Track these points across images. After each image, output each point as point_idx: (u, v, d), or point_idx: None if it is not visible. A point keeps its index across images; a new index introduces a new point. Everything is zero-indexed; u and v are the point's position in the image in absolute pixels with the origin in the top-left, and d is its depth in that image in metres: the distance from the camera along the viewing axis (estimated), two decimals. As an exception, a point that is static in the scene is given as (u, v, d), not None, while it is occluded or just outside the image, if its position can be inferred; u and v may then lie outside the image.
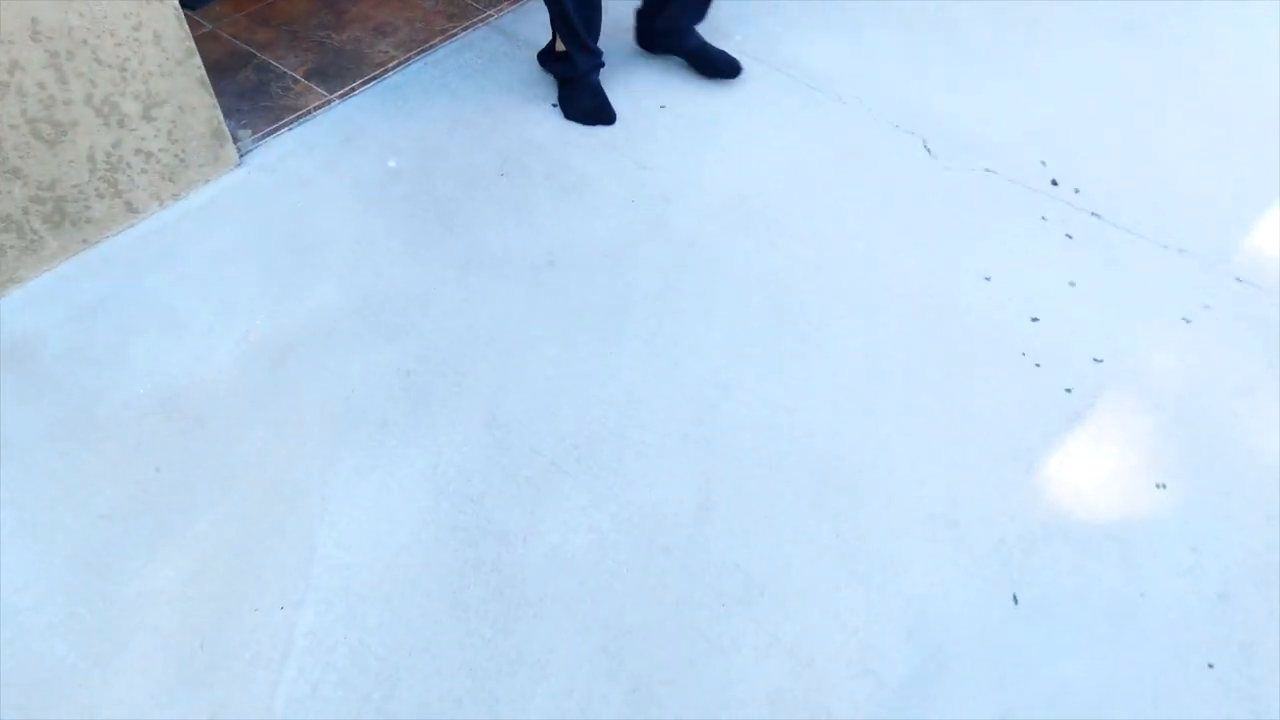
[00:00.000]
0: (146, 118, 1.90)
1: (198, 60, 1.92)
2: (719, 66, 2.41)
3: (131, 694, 1.38)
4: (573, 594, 1.47)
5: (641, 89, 2.41)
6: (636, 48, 2.51)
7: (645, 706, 1.35)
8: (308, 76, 2.36)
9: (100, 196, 1.91)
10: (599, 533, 1.54)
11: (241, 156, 2.14)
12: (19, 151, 1.75)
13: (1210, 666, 1.39)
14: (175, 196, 2.03)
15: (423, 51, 2.46)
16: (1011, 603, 1.46)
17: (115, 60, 1.80)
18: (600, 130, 2.28)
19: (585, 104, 2.31)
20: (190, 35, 1.89)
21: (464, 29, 2.54)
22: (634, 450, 1.65)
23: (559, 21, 2.22)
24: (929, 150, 2.22)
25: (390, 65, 2.41)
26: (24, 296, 1.88)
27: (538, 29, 2.56)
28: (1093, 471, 1.62)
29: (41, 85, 1.73)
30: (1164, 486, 1.60)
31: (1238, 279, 1.93)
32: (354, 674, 1.39)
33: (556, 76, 2.36)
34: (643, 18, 2.44)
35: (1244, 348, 1.81)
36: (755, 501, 1.58)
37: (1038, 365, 1.78)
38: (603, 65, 2.35)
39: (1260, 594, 1.47)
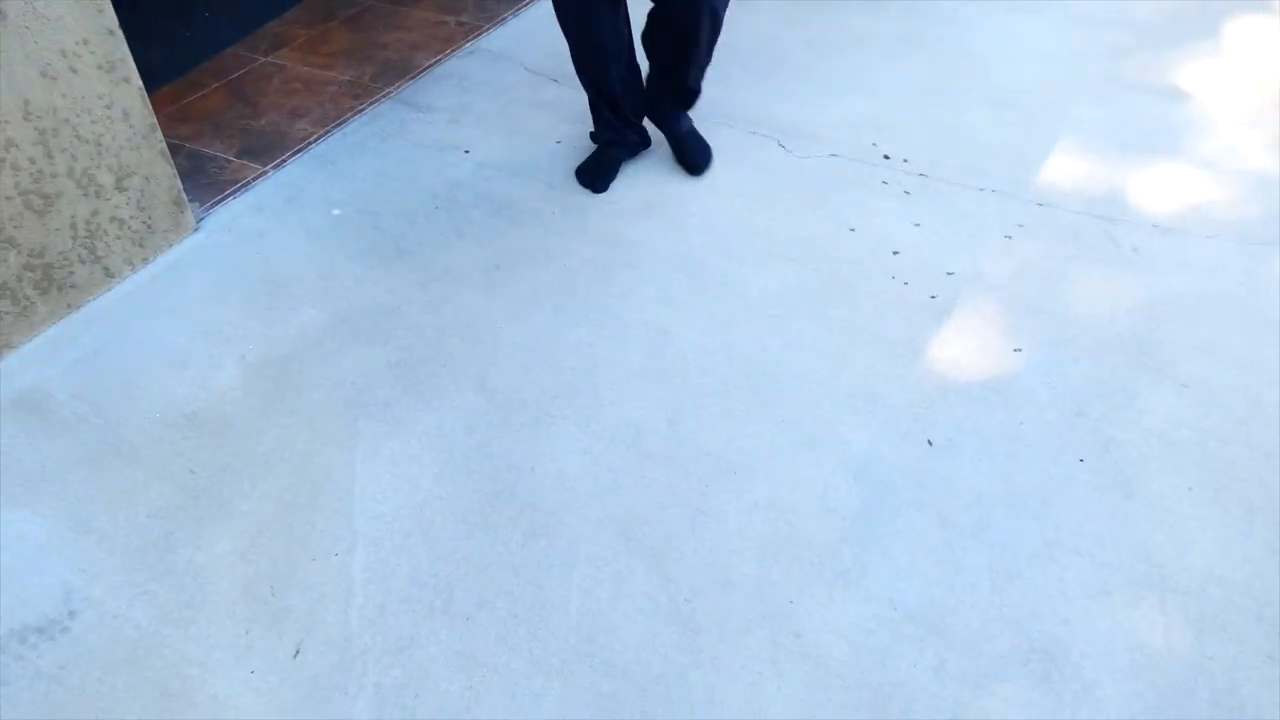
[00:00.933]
0: (119, 188, 2.13)
1: (159, 134, 2.18)
2: (688, 161, 2.56)
3: (217, 643, 1.56)
4: (583, 500, 1.76)
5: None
6: None
7: (664, 568, 1.64)
8: (239, 156, 2.63)
9: (81, 262, 2.11)
10: (592, 454, 1.84)
11: (198, 222, 2.38)
12: (14, 222, 1.95)
13: (1081, 461, 1.80)
14: (145, 261, 2.25)
15: (338, 125, 2.77)
16: (927, 445, 1.84)
17: (92, 136, 2.04)
18: (518, 159, 2.64)
19: (586, 163, 2.54)
20: (153, 112, 2.15)
21: (370, 104, 2.87)
22: (605, 389, 1.97)
23: (585, 87, 2.45)
24: (783, 146, 2.69)
25: (312, 139, 2.71)
26: (20, 358, 2.04)
27: (435, 97, 2.92)
28: (965, 347, 2.04)
29: (32, 160, 1.95)
30: (1019, 350, 2.04)
31: (1038, 204, 2.45)
32: (413, 591, 1.62)
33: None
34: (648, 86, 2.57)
35: (1052, 247, 2.30)
36: (710, 407, 1.92)
37: (906, 284, 2.21)
38: (634, 145, 2.55)
39: (1105, 405, 1.90)
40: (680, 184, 2.55)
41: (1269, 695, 1.45)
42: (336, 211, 2.45)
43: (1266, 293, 2.14)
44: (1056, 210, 2.43)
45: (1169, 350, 2.01)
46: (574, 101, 2.87)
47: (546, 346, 2.07)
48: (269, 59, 3.12)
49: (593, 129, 2.55)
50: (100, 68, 2.01)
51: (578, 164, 2.54)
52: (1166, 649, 1.51)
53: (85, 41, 1.96)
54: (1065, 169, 2.57)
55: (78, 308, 2.13)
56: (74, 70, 1.96)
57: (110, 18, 1.99)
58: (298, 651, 1.55)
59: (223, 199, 2.47)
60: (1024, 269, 2.25)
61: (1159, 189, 2.47)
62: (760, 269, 2.26)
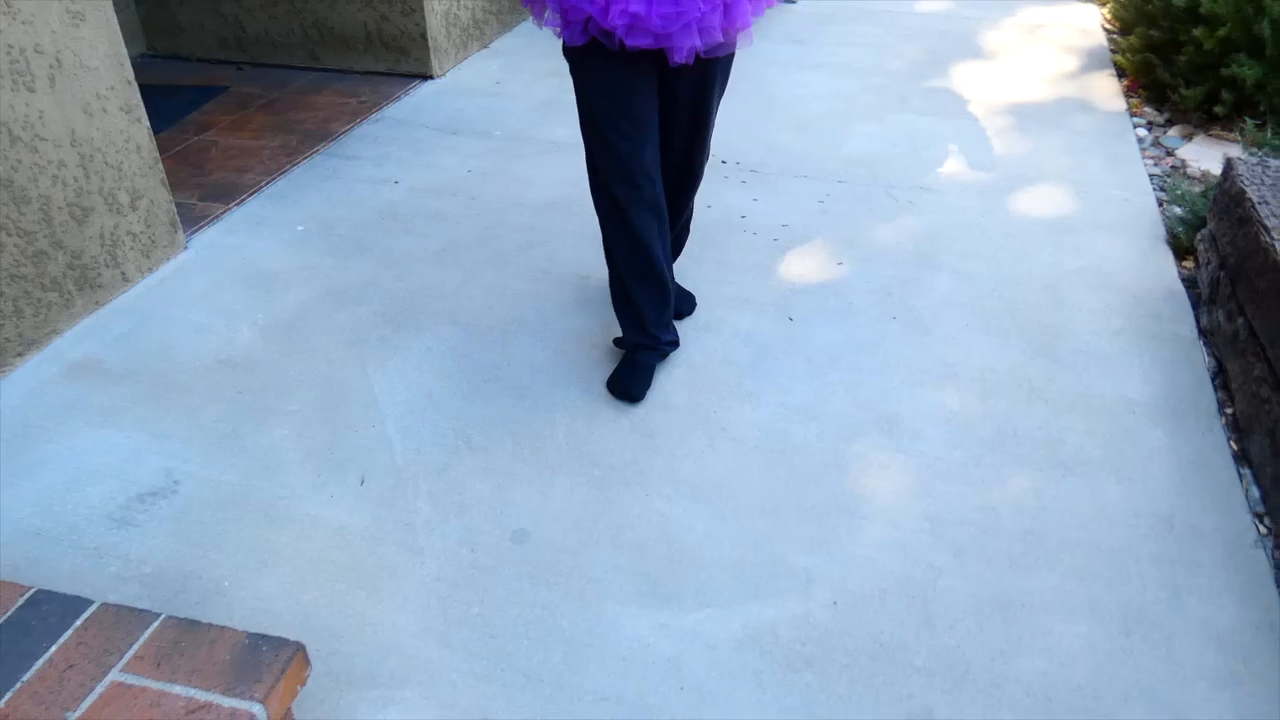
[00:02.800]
0: (133, 207, 2.62)
1: (161, 167, 2.70)
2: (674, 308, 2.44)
3: (297, 484, 2.05)
4: (552, 378, 2.36)
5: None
6: None
7: (619, 406, 2.26)
8: (202, 200, 3.14)
9: (106, 266, 2.57)
10: (550, 350, 2.45)
11: (186, 244, 2.87)
12: (63, 228, 2.42)
13: (894, 319, 2.56)
14: (150, 270, 2.72)
15: (281, 174, 3.34)
16: (788, 320, 2.56)
17: (115, 163, 2.54)
18: (440, 183, 3.26)
19: (618, 373, 2.30)
20: (156, 147, 2.68)
21: (303, 159, 3.46)
22: (550, 313, 2.59)
23: (613, 292, 2.26)
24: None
25: (262, 184, 3.26)
26: (66, 341, 2.47)
27: (358, 150, 3.54)
28: (804, 266, 2.80)
29: (75, 179, 2.43)
30: (841, 264, 2.82)
31: (838, 181, 3.30)
32: (439, 439, 2.17)
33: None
34: None
35: (852, 205, 3.14)
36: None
37: (754, 234, 2.98)
38: (662, 347, 2.32)
39: (904, 289, 2.69)
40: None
41: (1031, 424, 2.21)
42: (300, 228, 3.01)
43: (996, 222, 3.04)
44: (852, 184, 3.29)
45: (940, 256, 2.85)
46: (476, 144, 3.57)
47: (498, 294, 2.69)
48: (200, 138, 3.66)
49: (619, 334, 2.38)
50: (122, 109, 2.54)
51: (610, 373, 2.34)
52: (963, 409, 2.25)
53: (112, 88, 2.50)
54: (854, 160, 3.46)
55: (104, 304, 2.58)
56: (104, 110, 2.49)
57: (129, 70, 2.54)
58: (363, 480, 2.06)
59: (200, 228, 2.97)
60: (836, 219, 3.07)
61: (920, 166, 3.39)
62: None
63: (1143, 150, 3.48)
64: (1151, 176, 3.29)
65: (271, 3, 4.21)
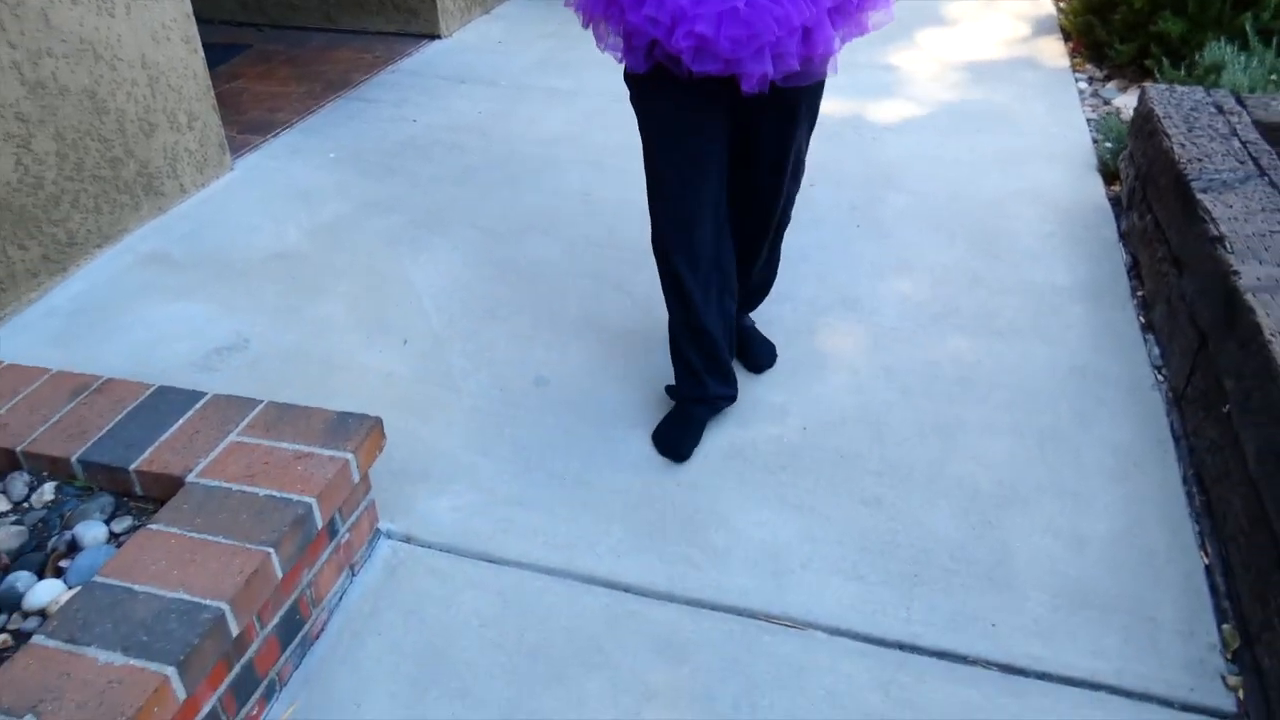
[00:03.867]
0: (190, 127, 2.97)
1: (212, 93, 3.05)
2: (753, 358, 2.33)
3: (350, 344, 2.41)
4: (561, 269, 2.73)
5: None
6: None
7: (624, 288, 2.63)
8: (240, 133, 3.49)
9: (167, 177, 2.91)
10: (561, 248, 2.82)
11: (232, 165, 3.22)
12: (134, 139, 2.76)
13: (858, 226, 2.95)
14: (203, 185, 3.07)
15: (309, 114, 3.69)
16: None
17: (177, 86, 2.89)
18: (455, 123, 3.61)
19: (665, 426, 2.14)
20: (209, 75, 3.02)
21: (328, 102, 3.80)
22: (559, 220, 2.96)
23: (670, 336, 2.10)
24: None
25: (293, 121, 3.61)
26: (135, 238, 2.82)
27: (377, 94, 3.89)
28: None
29: (145, 97, 2.78)
30: (814, 185, 3.20)
31: (813, 122, 3.69)
32: (469, 311, 2.53)
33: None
34: None
35: (825, 142, 3.52)
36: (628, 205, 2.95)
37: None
38: (716, 401, 2.15)
39: (867, 204, 3.07)
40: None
41: (972, 303, 2.60)
42: (332, 155, 3.36)
43: (950, 153, 3.44)
44: (824, 126, 3.66)
45: (900, 179, 3.24)
46: (484, 91, 3.93)
47: (513, 207, 3.05)
48: (231, 85, 4.00)
49: (672, 381, 2.18)
50: (182, 39, 2.89)
51: (659, 424, 2.16)
52: (915, 292, 2.64)
53: (175, 20, 2.85)
54: (829, 107, 3.84)
55: (166, 210, 2.92)
56: (169, 39, 2.84)
57: (189, 5, 2.89)
58: (405, 341, 2.42)
59: (242, 154, 3.32)
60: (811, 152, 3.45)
61: (886, 111, 3.78)
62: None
63: (1083, 100, 3.89)
64: (1089, 120, 3.70)
65: (291, -32, 4.56)
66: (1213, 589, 1.80)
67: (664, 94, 1.80)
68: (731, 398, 2.18)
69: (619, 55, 1.79)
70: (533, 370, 2.34)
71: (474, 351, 2.40)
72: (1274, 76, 2.99)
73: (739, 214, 2.05)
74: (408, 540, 1.88)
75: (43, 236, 2.53)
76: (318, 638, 1.68)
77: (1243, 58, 3.14)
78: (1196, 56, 3.34)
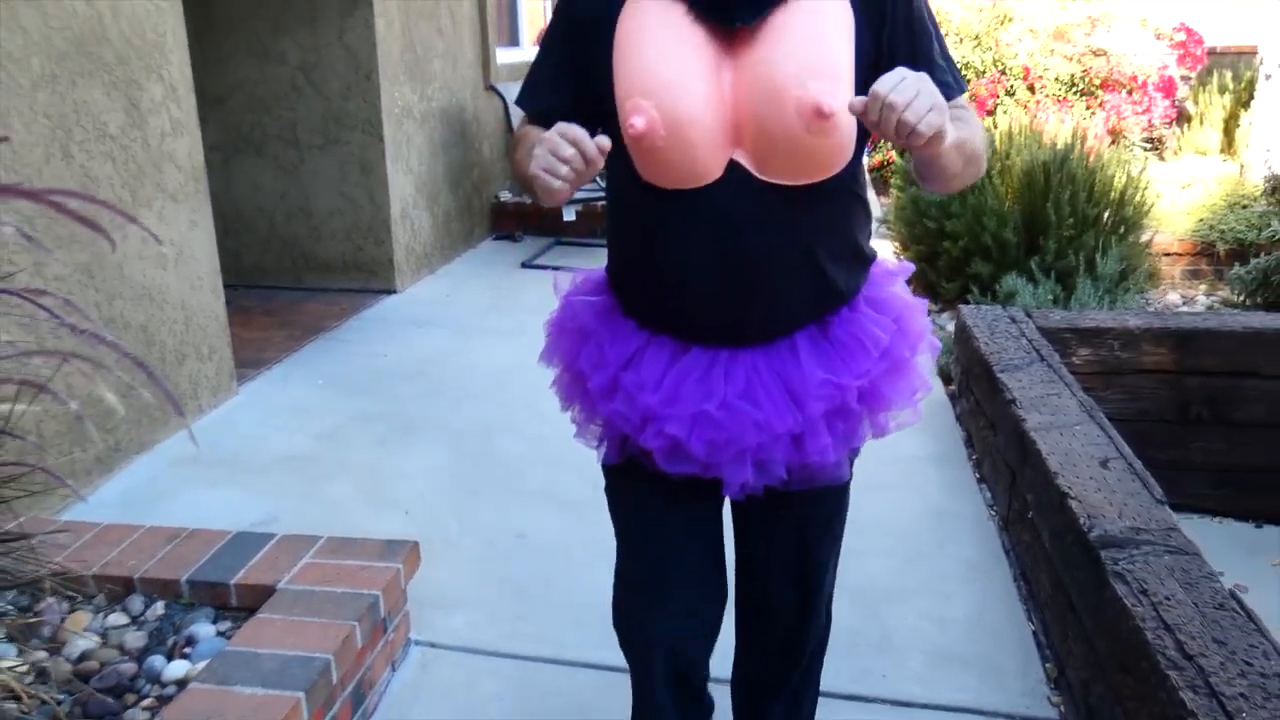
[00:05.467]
0: (210, 358, 3.59)
1: (229, 332, 3.70)
2: None
3: (360, 517, 2.94)
4: (523, 453, 3.36)
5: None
6: None
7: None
8: (237, 366, 4.10)
9: (190, 398, 3.49)
10: (523, 440, 3.46)
11: (238, 389, 3.82)
12: (170, 366, 3.36)
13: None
14: (215, 405, 3.64)
15: (294, 351, 4.35)
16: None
17: (202, 325, 3.54)
18: (414, 358, 4.31)
19: None
20: (227, 319, 3.68)
21: (309, 341, 4.48)
22: (517, 422, 3.62)
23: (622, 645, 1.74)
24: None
25: (281, 358, 4.26)
26: (166, 446, 3.33)
27: (348, 335, 4.59)
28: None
29: (181, 333, 3.41)
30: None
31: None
32: (456, 489, 3.12)
33: None
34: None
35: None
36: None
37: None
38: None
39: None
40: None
41: (860, 470, 3.34)
42: (320, 381, 4.01)
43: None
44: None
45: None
46: (439, 332, 4.68)
47: (476, 414, 3.71)
48: (217, 333, 4.65)
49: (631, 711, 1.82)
50: (211, 290, 3.58)
51: None
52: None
53: (206, 274, 3.55)
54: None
55: (189, 424, 3.47)
56: (201, 288, 3.52)
57: (217, 262, 3.61)
58: (407, 512, 2.97)
59: (242, 382, 3.93)
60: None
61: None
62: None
63: (924, 326, 4.90)
64: (929, 340, 4.67)
65: (267, 240, 5.38)
66: (1038, 645, 2.45)
67: (635, 490, 1.62)
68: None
69: (594, 444, 1.63)
70: (513, 528, 2.93)
71: (464, 517, 2.98)
72: (1050, 298, 4.01)
73: (757, 635, 1.80)
74: (433, 645, 2.38)
75: (98, 443, 3.06)
76: (371, 716, 2.14)
77: (1030, 287, 4.19)
78: (998, 287, 4.39)
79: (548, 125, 1.35)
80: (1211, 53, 8.84)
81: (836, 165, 1.41)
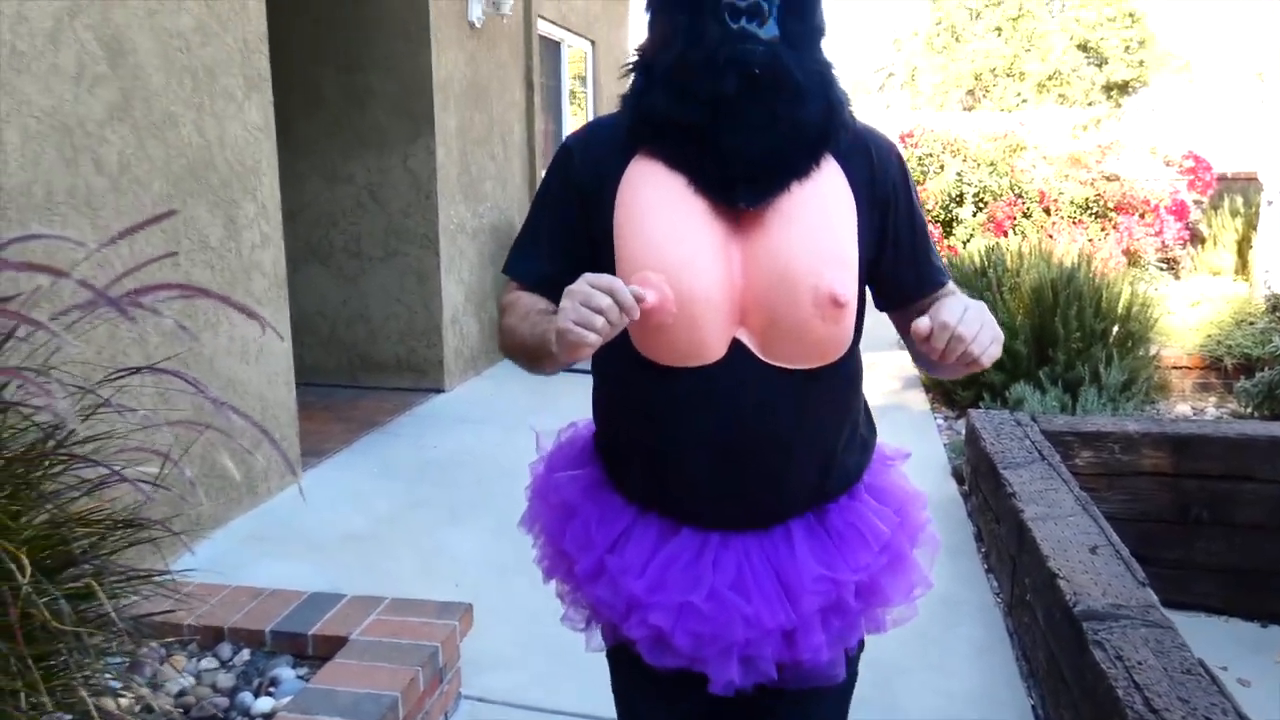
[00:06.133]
0: (280, 445, 3.95)
1: (297, 422, 4.06)
2: None
3: (415, 586, 3.23)
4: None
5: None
6: None
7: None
8: (302, 455, 4.46)
9: (261, 481, 3.83)
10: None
11: (303, 474, 4.16)
12: (246, 452, 3.72)
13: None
14: (282, 489, 3.98)
15: (352, 443, 4.70)
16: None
17: (275, 415, 3.92)
18: (461, 450, 4.64)
19: None
20: (297, 409, 4.06)
21: (365, 434, 4.84)
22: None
23: None
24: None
25: (340, 449, 4.61)
26: (238, 524, 3.66)
27: (401, 429, 4.94)
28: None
29: (258, 421, 3.78)
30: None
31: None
32: (502, 567, 3.40)
33: None
34: None
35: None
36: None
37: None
38: None
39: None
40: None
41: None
42: (375, 470, 4.34)
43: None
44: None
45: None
46: (484, 428, 5.03)
47: (522, 499, 4.01)
48: (281, 426, 5.03)
49: None
50: (284, 383, 3.96)
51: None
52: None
53: (281, 370, 3.94)
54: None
55: (258, 506, 3.81)
56: (277, 383, 3.91)
57: (291, 359, 4.01)
58: (456, 585, 3.25)
59: (305, 470, 4.28)
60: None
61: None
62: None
63: (940, 431, 5.17)
64: (944, 444, 4.94)
65: (328, 341, 5.82)
66: (1036, 718, 2.65)
67: (633, 674, 1.57)
68: None
69: (581, 627, 1.63)
70: (553, 602, 3.19)
71: (508, 591, 3.25)
72: (1056, 405, 4.29)
73: None
74: (481, 700, 2.63)
75: (184, 519, 3.39)
76: (426, 760, 2.39)
77: (1038, 394, 4.47)
78: (1008, 394, 4.68)
79: (544, 293, 1.38)
80: (1222, 178, 9.28)
81: (840, 350, 1.41)
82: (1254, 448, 3.86)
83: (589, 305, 1.21)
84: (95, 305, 1.75)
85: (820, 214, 1.36)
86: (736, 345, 1.37)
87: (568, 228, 1.45)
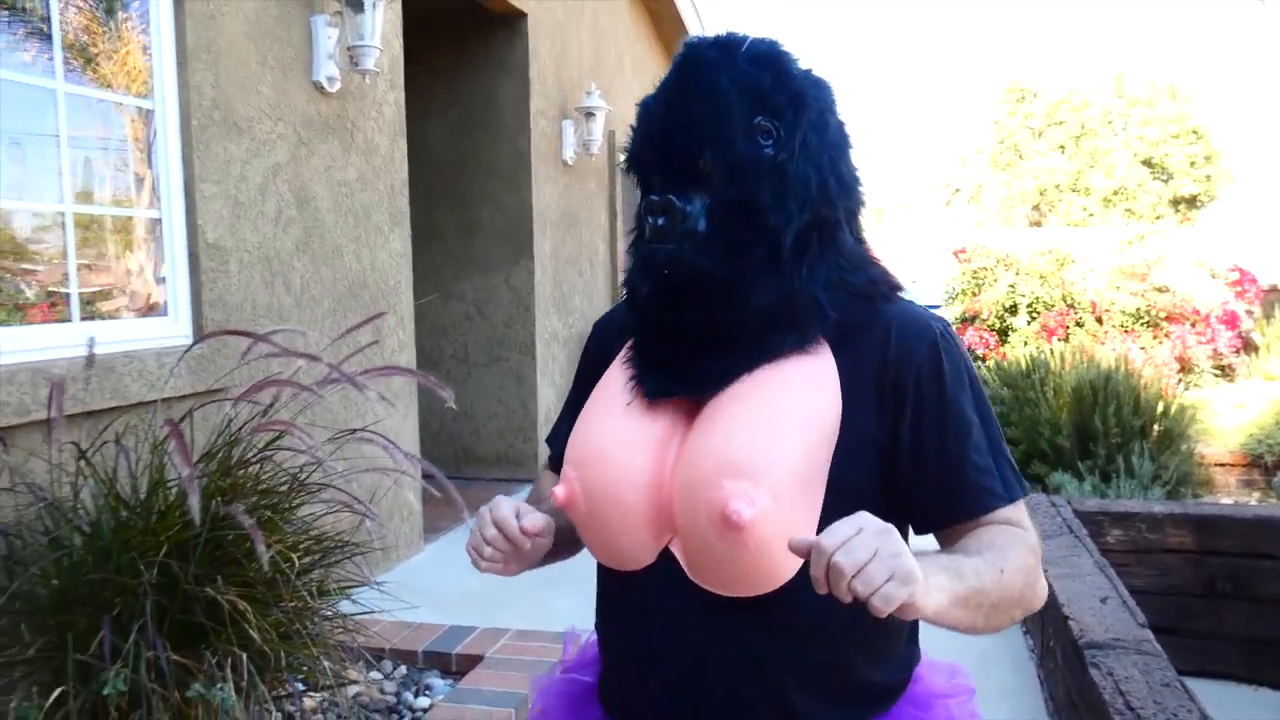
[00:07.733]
0: (408, 519, 4.64)
1: (421, 498, 4.76)
2: None
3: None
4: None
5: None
6: None
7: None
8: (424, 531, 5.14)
9: (394, 547, 4.51)
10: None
11: (424, 545, 4.83)
12: (385, 522, 4.42)
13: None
14: (409, 557, 4.65)
15: (463, 524, 5.37)
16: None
17: (404, 497, 4.62)
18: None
19: None
20: (421, 492, 4.77)
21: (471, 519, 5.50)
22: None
23: None
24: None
25: (454, 526, 5.29)
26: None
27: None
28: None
29: (393, 497, 4.49)
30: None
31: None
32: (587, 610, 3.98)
33: None
34: None
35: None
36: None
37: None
38: None
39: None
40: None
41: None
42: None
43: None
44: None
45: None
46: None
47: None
48: (398, 509, 5.75)
49: None
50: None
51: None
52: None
53: (409, 456, 4.67)
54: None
55: (392, 568, 4.47)
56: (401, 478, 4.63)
57: (418, 446, 4.73)
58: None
59: (428, 540, 4.95)
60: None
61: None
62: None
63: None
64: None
65: (436, 435, 6.59)
66: (1056, 742, 3.12)
67: None
68: None
69: None
70: (642, 648, 3.75)
71: (604, 639, 3.83)
72: (1090, 491, 4.76)
73: None
74: (586, 716, 3.20)
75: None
76: (544, 757, 2.96)
77: (1075, 482, 4.95)
78: (1047, 481, 5.16)
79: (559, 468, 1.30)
80: (1272, 289, 9.68)
81: (769, 584, 1.14)
82: (1269, 528, 4.28)
83: (481, 533, 1.25)
84: (333, 381, 2.50)
85: (762, 411, 1.16)
86: (666, 556, 1.22)
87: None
